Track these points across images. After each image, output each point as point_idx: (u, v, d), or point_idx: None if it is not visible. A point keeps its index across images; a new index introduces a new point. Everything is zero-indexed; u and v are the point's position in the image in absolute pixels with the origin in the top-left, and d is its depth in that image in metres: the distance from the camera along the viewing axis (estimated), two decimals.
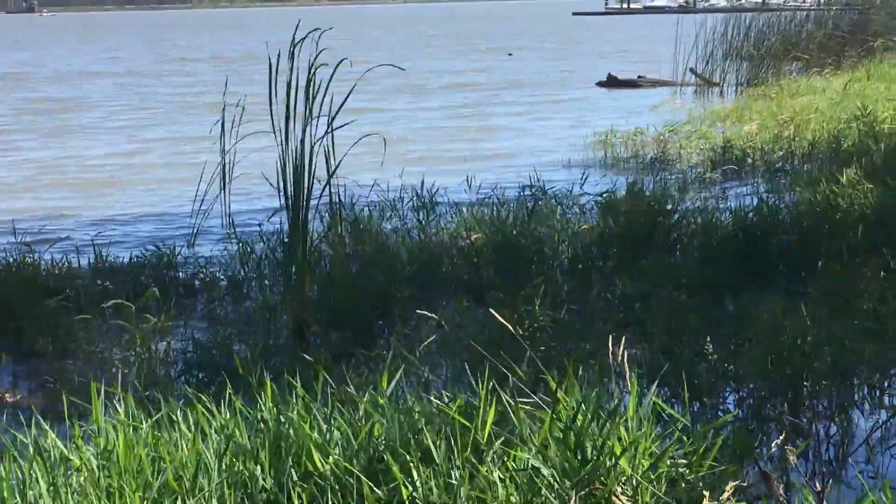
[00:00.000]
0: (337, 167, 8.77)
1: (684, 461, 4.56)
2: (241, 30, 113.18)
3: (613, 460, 4.43)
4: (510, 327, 5.51)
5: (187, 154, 20.72)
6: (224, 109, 8.51)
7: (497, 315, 5.53)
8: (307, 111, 8.47)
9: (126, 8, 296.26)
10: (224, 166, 8.68)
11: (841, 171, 11.71)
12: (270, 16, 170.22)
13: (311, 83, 8.50)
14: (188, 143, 22.59)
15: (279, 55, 8.41)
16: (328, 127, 8.63)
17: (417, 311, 6.52)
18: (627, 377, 4.78)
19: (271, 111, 8.52)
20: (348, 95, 8.47)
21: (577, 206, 11.93)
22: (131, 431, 4.86)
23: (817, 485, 4.80)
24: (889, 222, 9.40)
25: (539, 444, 4.57)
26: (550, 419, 4.60)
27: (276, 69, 8.48)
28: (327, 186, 8.88)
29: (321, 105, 8.52)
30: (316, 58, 8.46)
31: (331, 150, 8.75)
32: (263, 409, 5.15)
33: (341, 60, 8.40)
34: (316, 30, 8.55)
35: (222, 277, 10.18)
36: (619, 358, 4.87)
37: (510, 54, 55.78)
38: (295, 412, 5.04)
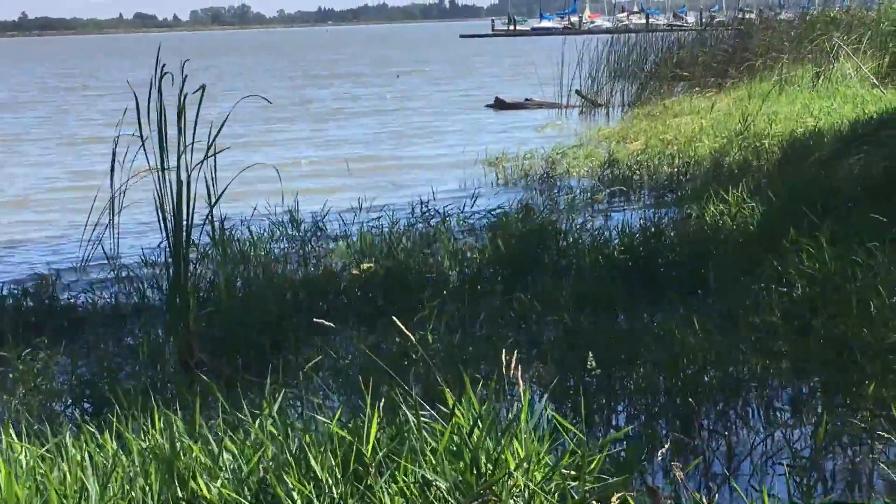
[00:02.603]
0: (220, 197, 8.69)
1: (574, 474, 4.58)
2: (115, 55, 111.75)
3: (508, 474, 4.44)
4: (410, 336, 5.48)
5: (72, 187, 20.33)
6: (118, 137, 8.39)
7: (398, 322, 5.49)
8: (179, 140, 8.41)
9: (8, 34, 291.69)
10: (113, 200, 8.54)
11: (725, 188, 11.89)
12: (136, 42, 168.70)
13: (182, 113, 8.43)
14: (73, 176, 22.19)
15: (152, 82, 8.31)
16: (205, 155, 8.55)
17: (315, 318, 6.42)
18: (520, 386, 4.80)
19: (143, 139, 8.41)
20: (223, 124, 8.40)
21: (469, 229, 11.96)
22: (17, 464, 4.74)
23: (704, 499, 4.82)
24: (771, 237, 9.55)
25: (434, 459, 4.57)
26: (449, 433, 4.60)
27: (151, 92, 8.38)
28: (212, 214, 8.80)
29: (193, 133, 8.45)
30: (183, 84, 8.38)
31: (212, 179, 8.66)
32: (149, 436, 5.06)
33: (200, 87, 8.34)
34: (188, 60, 8.49)
35: (108, 309, 9.99)
36: (512, 370, 4.88)
37: (398, 76, 55.86)
38: (180, 437, 4.97)
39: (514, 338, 8.10)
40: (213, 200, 8.69)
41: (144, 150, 8.43)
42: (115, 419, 5.45)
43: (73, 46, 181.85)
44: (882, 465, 5.83)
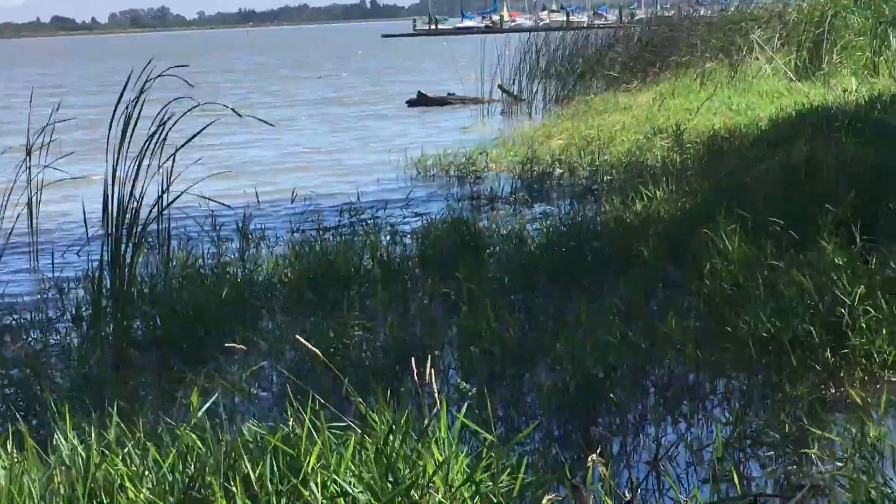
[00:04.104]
0: (159, 202, 8.69)
1: (491, 476, 4.61)
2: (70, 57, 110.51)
3: (426, 480, 4.44)
4: (319, 354, 5.48)
5: None
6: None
7: (303, 341, 5.50)
8: (121, 144, 8.39)
9: None
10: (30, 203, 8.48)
11: (646, 184, 12.01)
12: (73, 46, 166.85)
13: (130, 118, 8.44)
14: None
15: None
16: (138, 156, 8.54)
17: (227, 345, 6.40)
18: (436, 396, 4.82)
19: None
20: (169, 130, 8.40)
21: (391, 228, 11.97)
22: None
23: (626, 494, 4.88)
24: (690, 232, 9.67)
25: (353, 469, 4.56)
26: (360, 442, 4.61)
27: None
28: (155, 217, 8.82)
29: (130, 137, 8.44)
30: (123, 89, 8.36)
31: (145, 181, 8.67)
32: (63, 444, 5.02)
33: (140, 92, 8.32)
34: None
35: (39, 313, 9.88)
36: (427, 378, 4.89)
37: (319, 77, 55.60)
38: (106, 444, 4.93)
39: (436, 337, 8.15)
40: (154, 202, 8.70)
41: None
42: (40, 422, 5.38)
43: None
44: (798, 457, 5.93)
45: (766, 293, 7.67)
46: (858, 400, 6.22)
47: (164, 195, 8.91)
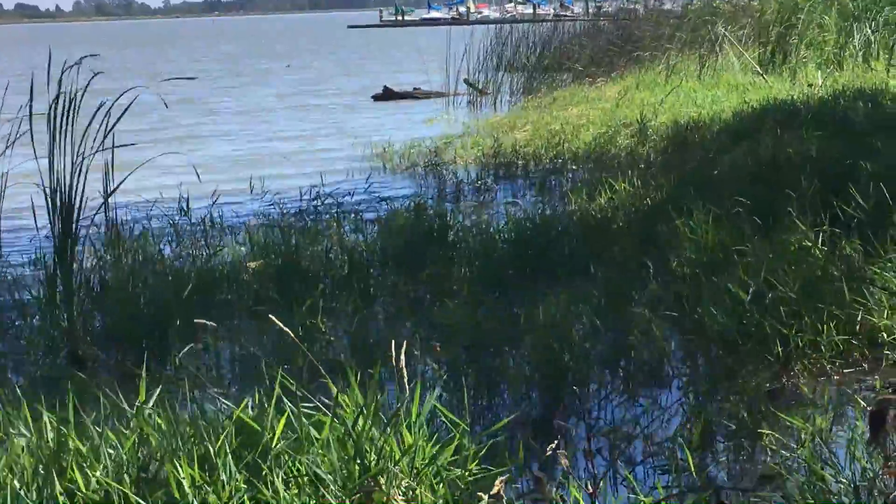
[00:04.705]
0: (115, 190, 8.62)
1: (458, 464, 4.62)
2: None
3: (393, 464, 4.44)
4: (289, 332, 5.45)
5: None
6: None
7: (275, 320, 5.46)
8: (60, 132, 8.32)
9: None
10: None
11: (613, 176, 12.03)
12: (37, 34, 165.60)
13: (74, 104, 8.34)
14: None
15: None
16: (94, 149, 8.47)
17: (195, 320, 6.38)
18: (405, 382, 4.81)
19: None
20: (119, 118, 8.33)
21: (358, 221, 11.92)
22: None
23: (589, 486, 4.87)
24: (652, 224, 9.70)
25: (321, 450, 4.56)
26: (328, 424, 4.59)
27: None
28: (105, 208, 8.73)
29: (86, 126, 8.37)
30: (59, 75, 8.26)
31: (104, 172, 8.60)
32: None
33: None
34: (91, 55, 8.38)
35: None
36: (400, 361, 4.89)
37: (288, 65, 55.37)
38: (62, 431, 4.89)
39: (406, 326, 8.13)
40: (108, 193, 8.63)
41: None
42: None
43: None
44: (759, 451, 5.97)
45: (722, 284, 7.71)
46: (807, 391, 6.30)
47: (107, 185, 8.79)
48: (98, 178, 9.31)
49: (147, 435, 4.78)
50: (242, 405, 4.86)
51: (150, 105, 8.23)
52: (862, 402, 5.99)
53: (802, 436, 5.59)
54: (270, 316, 5.64)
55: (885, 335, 7.19)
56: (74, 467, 4.59)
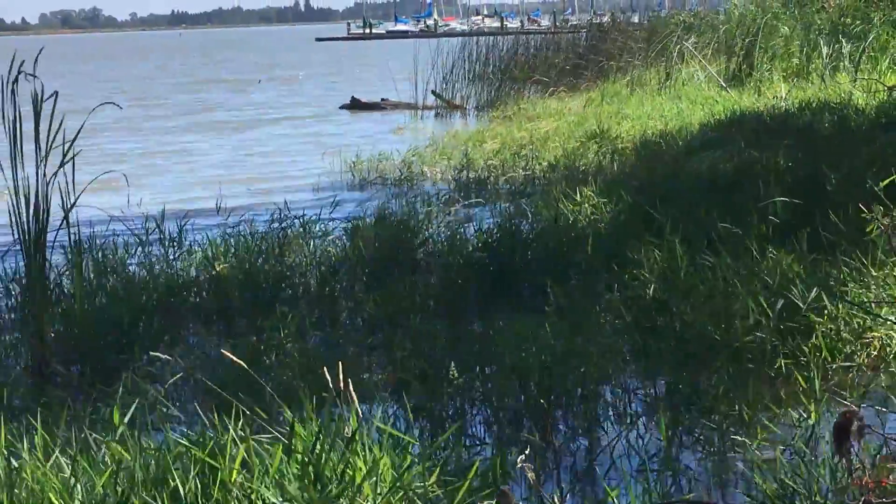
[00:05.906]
0: (75, 202, 8.55)
1: (420, 483, 4.58)
2: None
3: (354, 487, 4.40)
4: (244, 366, 5.41)
5: None
6: None
7: (230, 355, 5.43)
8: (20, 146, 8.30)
9: None
10: None
11: (579, 188, 12.03)
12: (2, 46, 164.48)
13: (38, 118, 8.32)
14: None
15: None
16: (61, 162, 8.42)
17: (152, 353, 6.34)
18: (353, 404, 4.79)
19: None
20: (79, 131, 8.29)
21: (325, 232, 11.87)
22: None
23: (556, 501, 4.87)
24: (622, 235, 9.69)
25: (277, 479, 4.51)
26: (280, 451, 4.56)
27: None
28: (69, 221, 8.67)
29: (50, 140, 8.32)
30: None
31: (70, 185, 8.54)
32: None
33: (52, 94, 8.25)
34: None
35: None
36: (341, 384, 4.85)
37: (259, 81, 55.23)
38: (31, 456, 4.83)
39: (368, 342, 8.11)
40: (68, 207, 8.57)
41: None
42: None
43: None
44: (732, 463, 5.97)
45: (686, 297, 7.73)
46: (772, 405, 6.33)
47: (68, 200, 8.69)
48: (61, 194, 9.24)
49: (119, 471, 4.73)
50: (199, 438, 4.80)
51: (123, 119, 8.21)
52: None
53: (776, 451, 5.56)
54: (224, 351, 5.62)
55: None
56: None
